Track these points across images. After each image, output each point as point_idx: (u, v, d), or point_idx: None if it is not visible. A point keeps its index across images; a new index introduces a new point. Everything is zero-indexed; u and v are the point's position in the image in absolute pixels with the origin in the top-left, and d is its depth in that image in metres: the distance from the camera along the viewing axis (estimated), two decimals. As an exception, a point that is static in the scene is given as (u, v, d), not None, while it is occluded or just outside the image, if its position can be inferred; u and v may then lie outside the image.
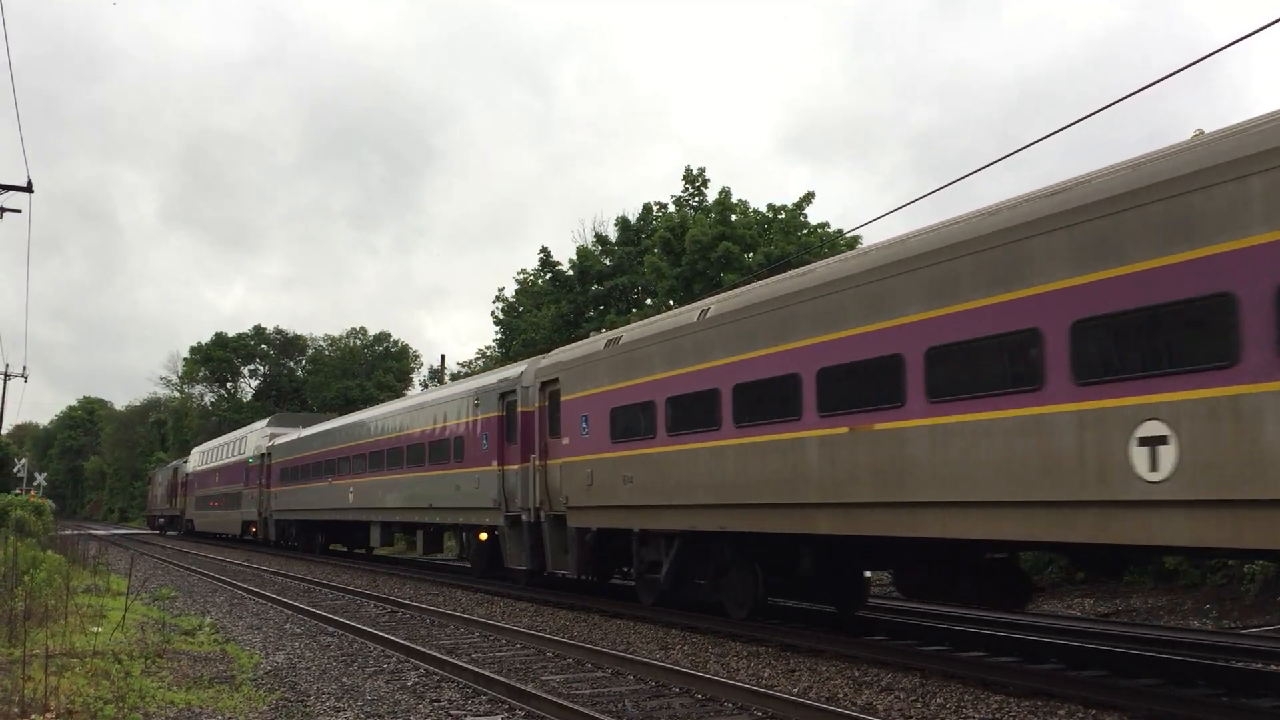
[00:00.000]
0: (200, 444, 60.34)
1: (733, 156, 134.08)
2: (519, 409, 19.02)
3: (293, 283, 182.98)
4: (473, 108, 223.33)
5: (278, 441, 37.87)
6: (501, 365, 30.49)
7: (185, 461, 58.73)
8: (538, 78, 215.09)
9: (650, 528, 14.76)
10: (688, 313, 14.36)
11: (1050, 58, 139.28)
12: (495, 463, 19.72)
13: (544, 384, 17.82)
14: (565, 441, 16.80)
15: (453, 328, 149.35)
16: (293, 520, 35.86)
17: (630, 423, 14.88)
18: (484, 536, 21.60)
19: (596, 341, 17.00)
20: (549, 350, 20.63)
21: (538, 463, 17.78)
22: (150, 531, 69.95)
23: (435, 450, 23.27)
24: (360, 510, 28.84)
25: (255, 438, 41.81)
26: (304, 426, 37.97)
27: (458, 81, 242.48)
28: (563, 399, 16.92)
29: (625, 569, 17.14)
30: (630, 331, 15.91)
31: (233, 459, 45.11)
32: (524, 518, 18.42)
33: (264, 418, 49.50)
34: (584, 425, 16.22)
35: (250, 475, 40.80)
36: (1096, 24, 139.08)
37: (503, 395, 19.77)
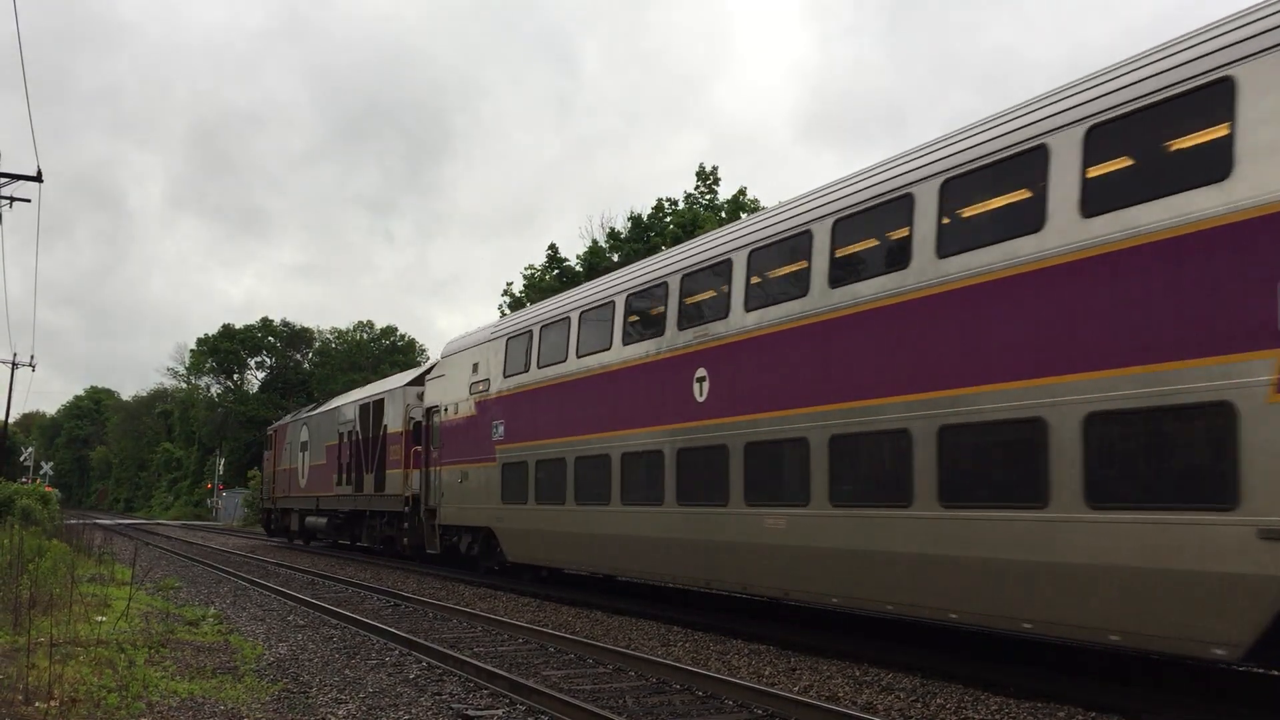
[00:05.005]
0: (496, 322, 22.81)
1: (759, 140, 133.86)
2: None
3: (306, 270, 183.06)
4: (498, 87, 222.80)
5: None
6: None
7: (421, 381, 24.24)
8: (564, 55, 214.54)
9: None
10: None
11: (1103, 40, 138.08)
12: None
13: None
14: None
15: (465, 321, 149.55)
16: None
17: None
18: None
19: None
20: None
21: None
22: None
23: None
24: None
25: None
26: None
27: (482, 58, 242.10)
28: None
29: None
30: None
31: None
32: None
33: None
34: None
35: None
36: (1151, 6, 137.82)
37: None
